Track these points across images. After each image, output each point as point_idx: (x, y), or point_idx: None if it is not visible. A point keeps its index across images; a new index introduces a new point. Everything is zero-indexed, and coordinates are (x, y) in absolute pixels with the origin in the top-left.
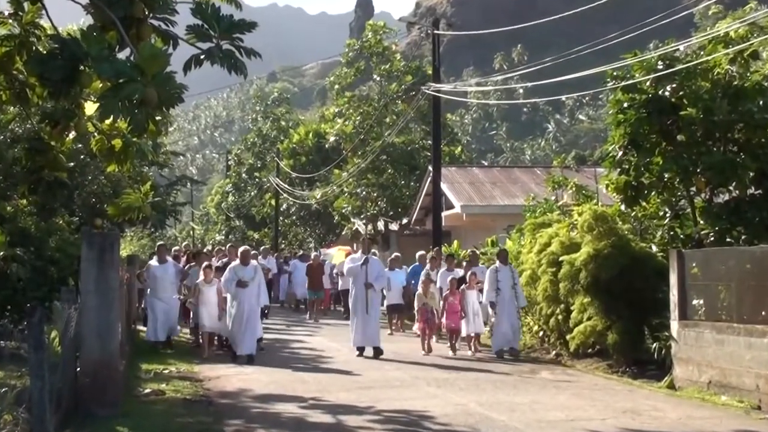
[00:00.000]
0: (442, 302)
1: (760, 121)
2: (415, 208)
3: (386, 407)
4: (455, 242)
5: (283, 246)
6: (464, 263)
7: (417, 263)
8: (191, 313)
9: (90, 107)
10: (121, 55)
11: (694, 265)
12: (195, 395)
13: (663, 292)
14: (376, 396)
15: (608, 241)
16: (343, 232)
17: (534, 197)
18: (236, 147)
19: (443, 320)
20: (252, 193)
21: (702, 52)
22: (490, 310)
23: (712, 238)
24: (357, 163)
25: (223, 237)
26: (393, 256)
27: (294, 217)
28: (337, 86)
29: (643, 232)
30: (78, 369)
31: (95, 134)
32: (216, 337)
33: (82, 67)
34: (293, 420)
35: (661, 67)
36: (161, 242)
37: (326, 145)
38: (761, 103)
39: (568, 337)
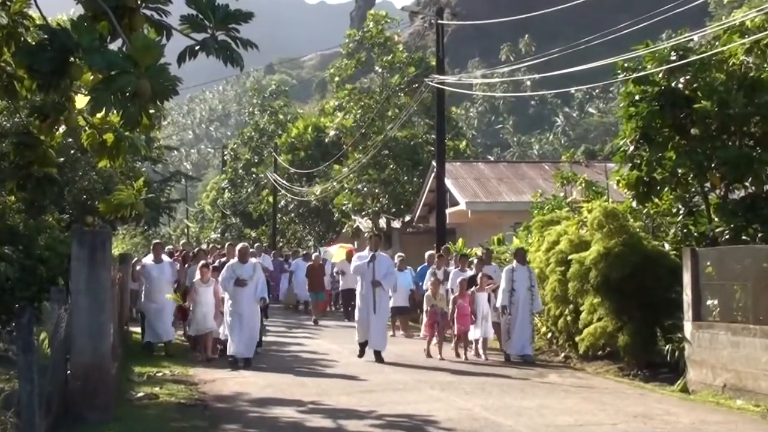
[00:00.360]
0: (451, 305)
1: None
2: (418, 204)
3: (388, 411)
4: (460, 240)
5: (281, 244)
6: (474, 261)
7: (425, 264)
8: (188, 315)
9: (81, 100)
10: (113, 46)
11: (708, 264)
12: (190, 399)
13: (676, 292)
14: (378, 400)
15: (619, 239)
16: (344, 230)
17: (542, 193)
18: (232, 141)
19: (453, 323)
20: (249, 190)
21: (717, 43)
22: (501, 314)
23: (727, 236)
24: (358, 158)
25: (218, 235)
26: (397, 256)
27: (292, 215)
28: (337, 78)
29: (655, 229)
30: (68, 372)
31: (86, 128)
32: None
33: (72, 59)
34: (291, 425)
35: (674, 58)
36: (157, 240)
37: (326, 140)
38: None
39: (577, 338)
